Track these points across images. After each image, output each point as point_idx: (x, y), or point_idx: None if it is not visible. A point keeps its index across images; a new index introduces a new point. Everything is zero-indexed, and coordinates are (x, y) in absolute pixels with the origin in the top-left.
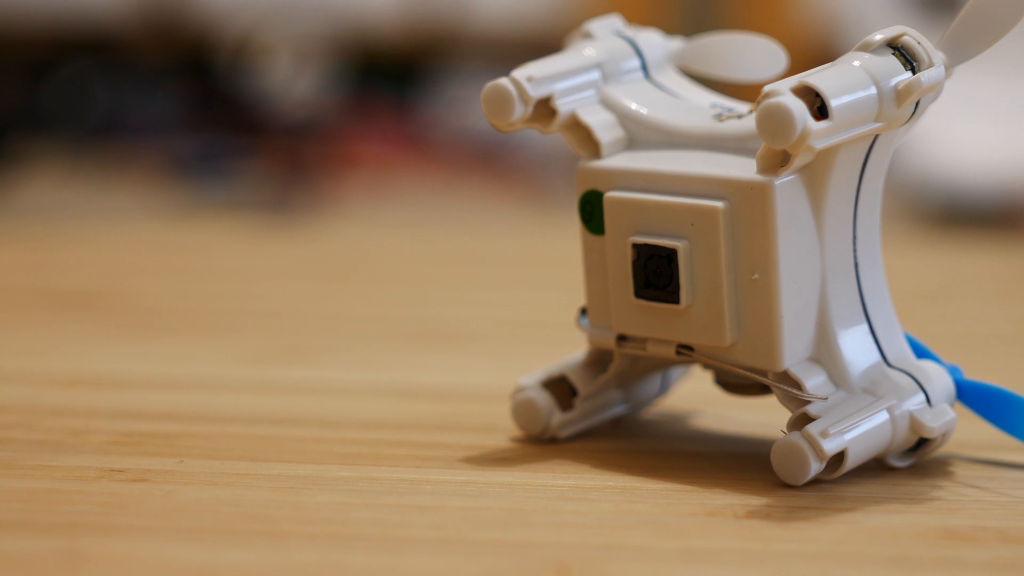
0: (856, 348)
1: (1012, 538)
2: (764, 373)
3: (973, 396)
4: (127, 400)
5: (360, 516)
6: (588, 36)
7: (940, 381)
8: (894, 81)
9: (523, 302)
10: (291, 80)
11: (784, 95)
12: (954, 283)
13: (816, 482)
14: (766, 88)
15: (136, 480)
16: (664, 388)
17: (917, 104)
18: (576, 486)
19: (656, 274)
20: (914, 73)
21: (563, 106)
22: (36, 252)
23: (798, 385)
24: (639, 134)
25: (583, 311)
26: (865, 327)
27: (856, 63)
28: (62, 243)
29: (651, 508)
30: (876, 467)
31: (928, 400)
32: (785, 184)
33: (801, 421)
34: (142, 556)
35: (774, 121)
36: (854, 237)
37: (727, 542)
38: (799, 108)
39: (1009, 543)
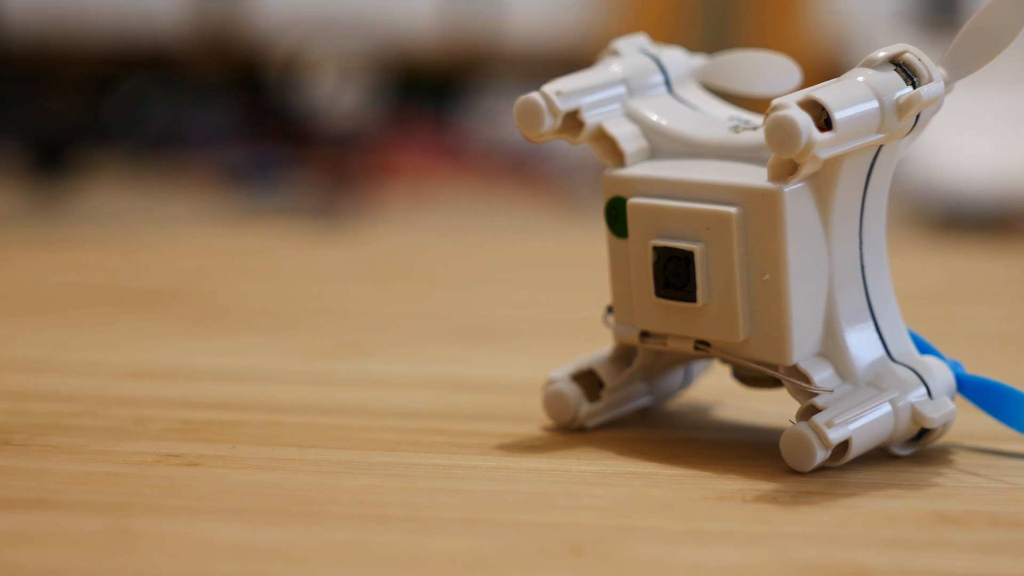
0: (862, 344)
1: (1002, 522)
2: (775, 367)
3: (973, 389)
4: (188, 391)
5: (394, 499)
6: (615, 53)
7: (941, 375)
8: (896, 95)
9: (554, 301)
10: (336, 94)
11: (791, 108)
12: (955, 284)
13: (822, 469)
14: (774, 102)
15: (189, 464)
16: (687, 381)
17: (918, 117)
18: (598, 471)
19: (675, 275)
20: (914, 88)
21: (590, 118)
22: (106, 254)
23: (806, 378)
24: (661, 144)
25: (609, 309)
26: (870, 324)
27: (860, 78)
28: (129, 246)
29: (665, 492)
30: (881, 455)
31: (929, 393)
32: (794, 191)
33: (809, 412)
34: (188, 534)
35: (781, 132)
36: (860, 241)
37: (733, 524)
38: (804, 120)
39: (999, 527)
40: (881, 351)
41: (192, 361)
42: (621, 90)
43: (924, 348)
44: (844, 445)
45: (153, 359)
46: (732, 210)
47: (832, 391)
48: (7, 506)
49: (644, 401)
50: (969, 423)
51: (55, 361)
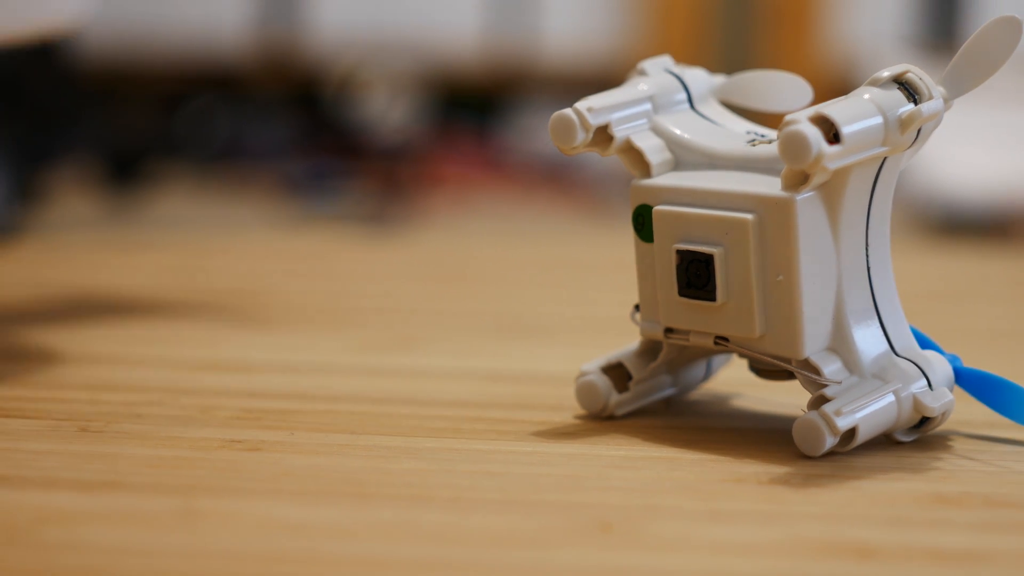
0: (868, 339)
1: (995, 503)
2: (788, 360)
3: (970, 381)
4: (251, 382)
5: (438, 481)
6: (642, 73)
7: (941, 368)
8: (898, 111)
9: (586, 300)
10: (387, 111)
11: (802, 123)
12: (953, 284)
13: (832, 454)
14: (787, 117)
15: (251, 449)
16: (709, 373)
17: (919, 131)
18: (626, 456)
19: (696, 276)
20: (916, 104)
21: (619, 132)
22: (177, 257)
23: (817, 371)
24: (684, 157)
25: (636, 307)
26: (876, 321)
27: (866, 96)
28: (199, 250)
29: (687, 475)
30: (885, 441)
31: (930, 384)
32: (805, 200)
33: (819, 402)
34: (248, 514)
35: (793, 145)
36: (866, 244)
37: (749, 504)
38: (815, 134)
39: (992, 507)
40: (885, 346)
41: (255, 355)
42: (647, 107)
43: (925, 343)
44: (851, 432)
45: (219, 353)
46: (749, 217)
47: (840, 383)
48: (83, 487)
49: (668, 392)
50: (966, 412)
51: (130, 355)
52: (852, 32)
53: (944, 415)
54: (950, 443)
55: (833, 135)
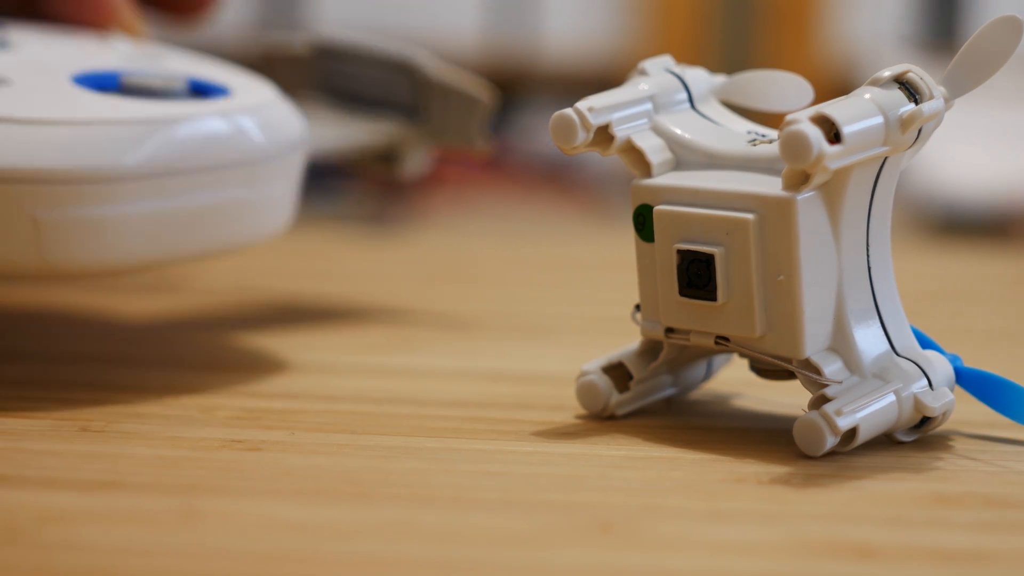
0: (868, 339)
1: (995, 502)
2: (789, 360)
3: (971, 381)
4: (253, 382)
5: (438, 481)
6: (643, 73)
7: (941, 368)
8: (899, 111)
9: (587, 300)
10: None
11: (803, 123)
12: (954, 284)
13: (832, 454)
14: (788, 117)
15: (251, 449)
16: (709, 373)
17: (920, 131)
18: (626, 456)
19: (697, 276)
20: (917, 104)
21: (620, 132)
22: None
23: (818, 371)
24: (685, 156)
25: (637, 307)
26: (876, 321)
27: (867, 96)
28: None
29: (688, 475)
30: (886, 441)
31: (930, 384)
32: (806, 200)
33: (820, 402)
34: (249, 513)
35: (794, 145)
36: (867, 244)
37: (749, 504)
38: (815, 134)
39: (992, 507)
40: (886, 346)
41: (255, 354)
42: (648, 106)
43: (925, 343)
44: (852, 432)
45: (220, 353)
46: (750, 216)
47: (841, 382)
48: (84, 487)
49: (669, 392)
50: (967, 412)
51: (130, 354)
52: (852, 32)
53: (945, 415)
54: (950, 443)
55: (834, 135)
